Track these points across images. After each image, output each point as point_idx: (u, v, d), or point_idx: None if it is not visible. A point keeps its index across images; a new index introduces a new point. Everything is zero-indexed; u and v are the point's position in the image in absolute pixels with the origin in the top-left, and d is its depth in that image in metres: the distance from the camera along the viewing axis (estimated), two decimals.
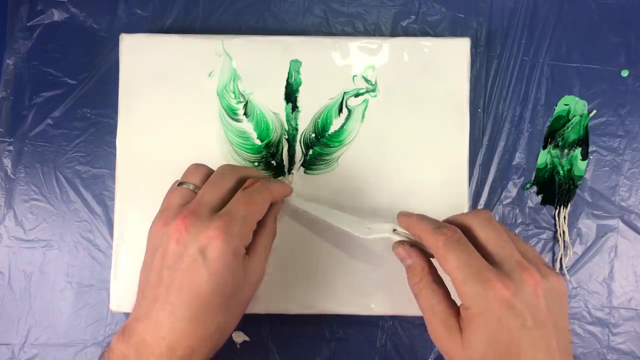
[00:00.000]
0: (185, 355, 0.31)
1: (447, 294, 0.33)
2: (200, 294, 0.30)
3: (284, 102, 0.42)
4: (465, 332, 0.30)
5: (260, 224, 0.35)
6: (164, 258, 0.31)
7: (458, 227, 0.32)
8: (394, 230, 0.36)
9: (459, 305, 0.31)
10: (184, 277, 0.30)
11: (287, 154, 0.42)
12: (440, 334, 0.32)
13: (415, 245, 0.35)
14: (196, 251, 0.30)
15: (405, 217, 0.35)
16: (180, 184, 0.35)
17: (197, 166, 0.36)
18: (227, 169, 0.35)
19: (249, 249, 0.34)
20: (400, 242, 0.35)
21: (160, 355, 0.30)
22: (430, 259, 0.34)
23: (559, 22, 0.45)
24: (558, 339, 0.30)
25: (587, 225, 0.44)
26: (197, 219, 0.31)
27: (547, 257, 0.44)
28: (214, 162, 0.42)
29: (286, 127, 0.42)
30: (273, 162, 0.42)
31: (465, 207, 0.41)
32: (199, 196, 0.33)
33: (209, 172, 0.35)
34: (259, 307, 0.41)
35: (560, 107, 0.45)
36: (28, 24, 0.45)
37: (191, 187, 0.34)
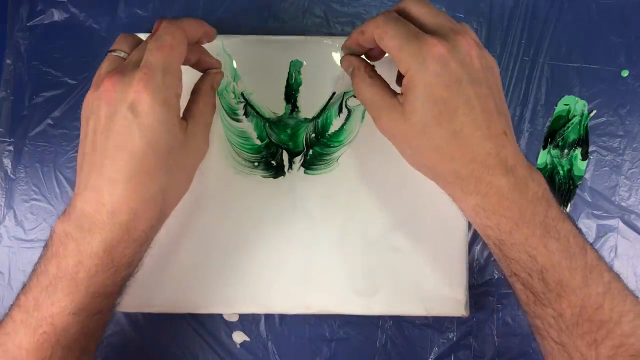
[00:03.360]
0: (128, 220, 0.30)
1: (387, 85, 0.34)
2: (134, 152, 0.30)
3: (284, 102, 0.42)
4: (406, 100, 0.31)
5: (195, 91, 0.35)
6: (97, 123, 0.30)
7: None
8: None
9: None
10: (117, 137, 0.30)
11: (287, 154, 0.42)
12: (384, 116, 0.33)
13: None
14: (126, 109, 0.29)
15: (348, 38, 0.36)
16: (109, 52, 0.34)
17: (125, 34, 0.35)
18: (161, 28, 0.32)
19: (185, 115, 0.33)
20: (345, 55, 0.37)
21: (102, 224, 0.30)
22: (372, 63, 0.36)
23: (559, 22, 0.45)
24: (496, 103, 0.31)
25: (587, 225, 0.44)
26: (123, 75, 0.30)
27: None
28: (214, 162, 0.42)
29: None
30: (273, 162, 0.42)
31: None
32: (128, 59, 0.32)
33: (138, 41, 0.34)
34: (258, 307, 0.41)
35: (560, 107, 0.45)
36: (28, 24, 0.45)
37: (121, 54, 0.33)
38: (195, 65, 0.37)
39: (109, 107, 0.30)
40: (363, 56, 0.37)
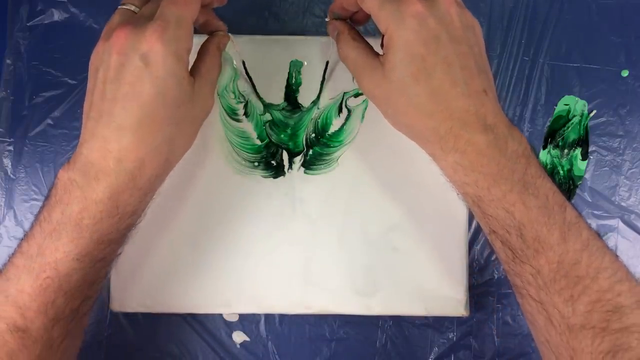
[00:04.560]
0: (134, 168, 0.30)
1: (370, 47, 0.34)
2: (144, 102, 0.30)
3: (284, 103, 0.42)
4: (386, 59, 0.31)
5: (203, 51, 0.35)
6: (107, 72, 0.31)
7: None
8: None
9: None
10: (127, 86, 0.30)
11: (287, 154, 0.42)
12: (366, 76, 0.33)
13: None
14: (137, 58, 0.30)
15: (333, 3, 0.36)
16: (121, 5, 0.34)
17: None
18: None
19: (193, 72, 0.33)
20: (331, 20, 0.37)
21: (108, 171, 0.30)
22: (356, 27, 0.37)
23: (559, 22, 0.45)
24: (476, 61, 0.31)
25: None
26: (135, 27, 0.30)
27: None
28: (214, 162, 0.42)
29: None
30: (273, 162, 0.42)
31: (463, 204, 0.41)
32: (140, 12, 0.33)
33: None
34: (258, 307, 0.41)
35: (560, 107, 0.45)
36: (28, 24, 0.45)
37: (132, 8, 0.33)
38: (202, 27, 0.37)
39: (120, 56, 0.30)
40: (349, 21, 0.37)
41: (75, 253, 0.30)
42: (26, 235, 0.32)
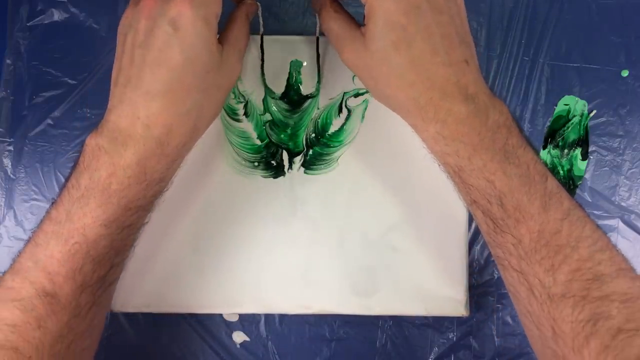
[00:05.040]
0: (162, 134, 0.31)
1: (352, 19, 0.34)
2: (173, 67, 0.30)
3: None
4: (367, 29, 0.31)
5: (231, 19, 0.35)
6: (135, 37, 0.31)
7: None
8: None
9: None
10: (156, 51, 0.30)
11: (287, 154, 0.42)
12: (347, 47, 0.33)
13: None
14: (166, 23, 0.29)
15: None
16: None
17: None
18: None
19: (221, 40, 0.33)
20: None
21: (136, 137, 0.30)
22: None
23: (559, 22, 0.45)
24: (458, 31, 0.31)
25: None
26: None
27: None
28: (214, 162, 0.42)
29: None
30: (273, 162, 0.42)
31: (463, 203, 0.41)
32: None
33: None
34: (258, 307, 0.41)
35: (560, 107, 0.45)
36: (28, 24, 0.45)
37: None
38: None
39: (149, 21, 0.30)
40: None
41: (103, 219, 0.30)
42: (54, 203, 0.31)
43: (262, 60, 0.42)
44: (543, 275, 0.29)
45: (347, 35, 0.33)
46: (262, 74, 0.42)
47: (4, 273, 0.31)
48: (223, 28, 0.35)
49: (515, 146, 0.30)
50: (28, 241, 0.31)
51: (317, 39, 0.42)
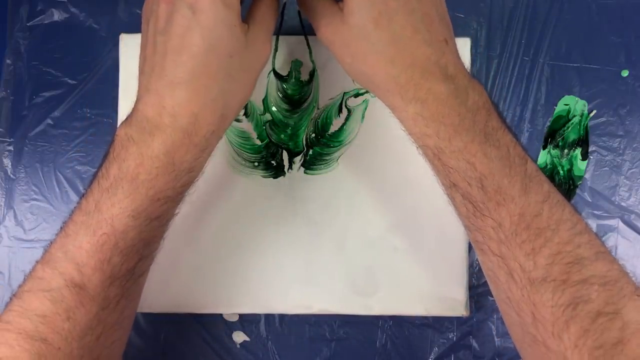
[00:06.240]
0: (188, 124, 0.30)
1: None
2: (194, 53, 0.29)
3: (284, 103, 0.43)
4: (345, 3, 0.30)
5: None
6: (156, 24, 0.30)
7: None
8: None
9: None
10: (177, 38, 0.29)
11: (287, 154, 0.42)
12: (323, 22, 0.32)
13: None
14: (185, 7, 0.29)
15: None
16: None
17: None
18: None
19: (247, 19, 0.32)
20: None
21: (163, 127, 0.30)
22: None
23: (559, 22, 0.45)
24: (437, 9, 0.31)
25: None
26: None
27: None
28: (214, 162, 0.42)
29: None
30: (273, 162, 0.42)
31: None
32: None
33: None
34: (258, 307, 0.41)
35: (560, 107, 0.45)
36: (28, 24, 0.45)
37: None
38: None
39: (168, 5, 0.29)
40: None
41: (130, 209, 0.30)
42: (85, 193, 0.31)
43: (276, 48, 0.42)
44: (523, 259, 0.29)
45: (324, 10, 0.32)
46: (273, 63, 0.42)
47: (36, 263, 0.31)
48: (249, 6, 0.34)
49: (495, 128, 0.30)
50: (59, 231, 0.31)
51: (299, 12, 0.42)
